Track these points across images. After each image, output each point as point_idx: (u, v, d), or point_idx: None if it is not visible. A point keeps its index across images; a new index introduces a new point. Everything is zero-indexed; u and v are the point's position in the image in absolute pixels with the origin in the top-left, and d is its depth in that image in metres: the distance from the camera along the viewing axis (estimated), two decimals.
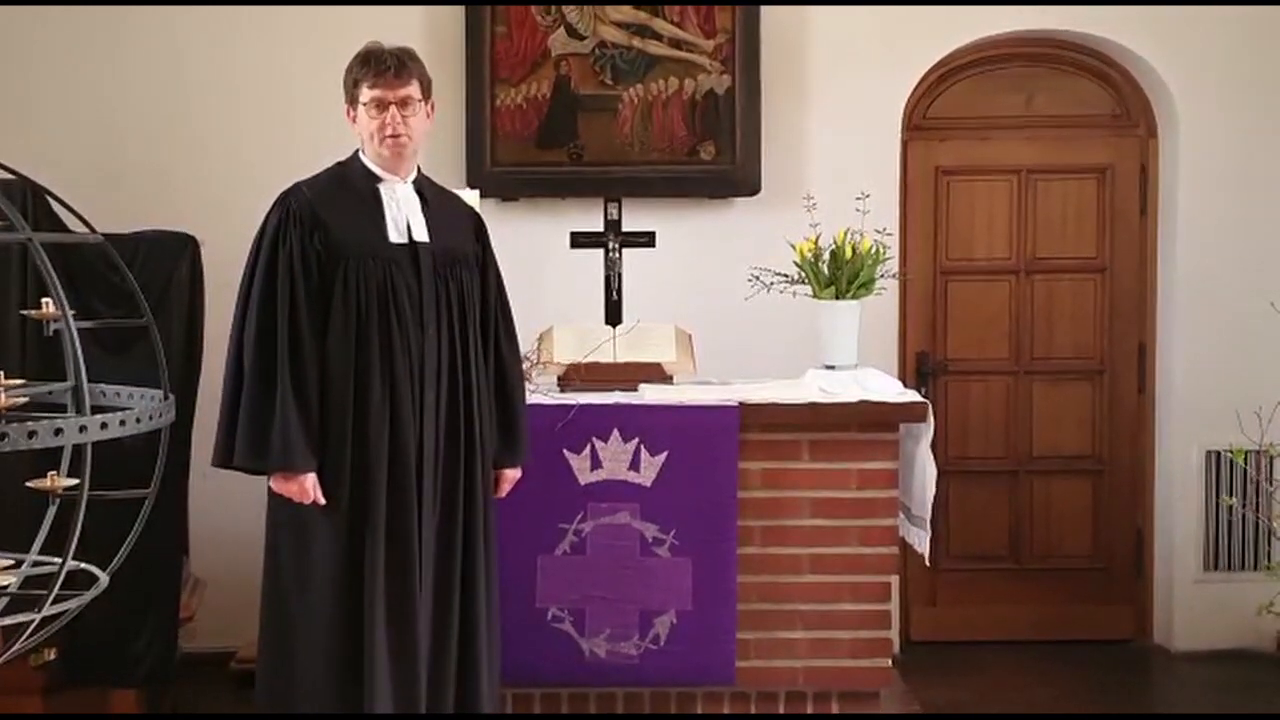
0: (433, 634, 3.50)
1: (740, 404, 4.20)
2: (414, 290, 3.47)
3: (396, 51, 3.55)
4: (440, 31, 5.25)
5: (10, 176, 1.89)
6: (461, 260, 3.58)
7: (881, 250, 4.48)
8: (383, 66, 3.49)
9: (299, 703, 3.49)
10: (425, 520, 3.47)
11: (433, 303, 3.49)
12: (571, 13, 5.25)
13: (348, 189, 3.56)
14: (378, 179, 3.56)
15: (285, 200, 3.52)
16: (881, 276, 4.50)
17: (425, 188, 3.63)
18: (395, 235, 3.51)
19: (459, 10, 5.23)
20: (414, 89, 3.53)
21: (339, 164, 3.64)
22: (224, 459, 3.47)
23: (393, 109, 3.49)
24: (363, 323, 3.44)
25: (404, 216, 3.53)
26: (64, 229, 3.85)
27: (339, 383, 3.44)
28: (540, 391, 4.26)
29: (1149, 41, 5.37)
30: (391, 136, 3.50)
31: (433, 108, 3.65)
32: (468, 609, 3.54)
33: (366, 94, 3.51)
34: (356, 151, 3.62)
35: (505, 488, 3.73)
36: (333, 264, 3.45)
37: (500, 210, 5.15)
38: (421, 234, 3.53)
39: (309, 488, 3.41)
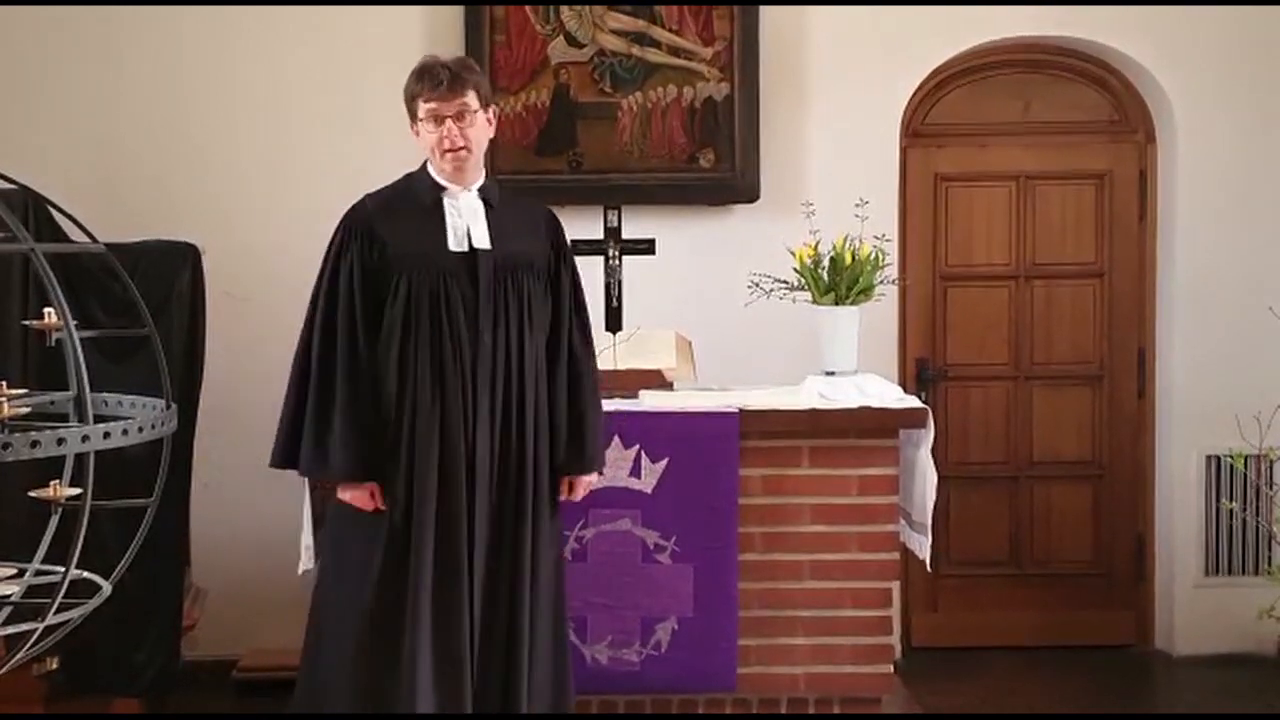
0: (479, 640, 3.52)
1: (740, 410, 4.21)
2: (470, 298, 3.51)
3: (451, 64, 3.58)
4: (440, 41, 5.25)
5: (11, 186, 1.90)
6: (525, 266, 3.59)
7: (881, 256, 4.48)
8: (436, 81, 3.52)
9: (332, 703, 3.56)
10: (477, 529, 3.50)
11: (489, 310, 3.52)
12: (570, 21, 5.26)
13: (410, 201, 3.61)
14: (442, 188, 3.60)
15: (348, 216, 3.61)
16: (881, 282, 4.50)
17: (492, 194, 3.64)
18: (454, 244, 3.55)
19: (458, 20, 5.24)
20: (470, 99, 3.55)
21: (408, 175, 3.70)
22: (283, 462, 3.58)
23: (449, 122, 3.52)
24: (415, 332, 3.49)
25: (465, 225, 3.57)
26: (65, 238, 3.85)
27: (393, 392, 3.50)
28: None
29: (1147, 47, 5.37)
30: (450, 150, 3.53)
31: (494, 115, 3.67)
32: (514, 616, 3.54)
33: (423, 108, 3.55)
34: (425, 162, 3.67)
35: (580, 492, 3.72)
36: (391, 276, 3.51)
37: None
38: (482, 241, 3.56)
39: (365, 497, 3.51)
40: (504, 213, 3.63)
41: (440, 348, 3.48)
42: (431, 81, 3.52)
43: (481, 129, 3.59)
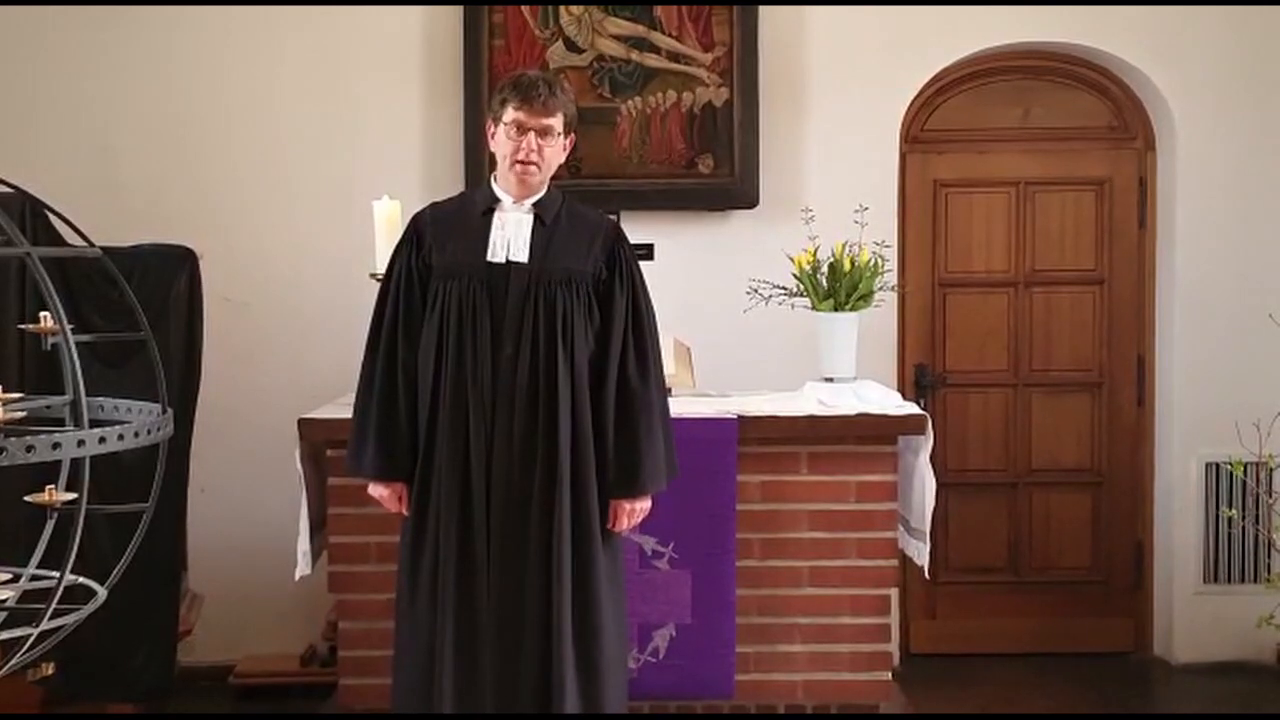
0: (504, 653, 3.53)
1: (739, 416, 4.20)
2: (499, 310, 3.52)
3: (551, 82, 3.61)
4: (438, 46, 5.26)
5: (8, 190, 1.89)
6: (564, 281, 3.55)
7: (880, 262, 4.48)
8: (534, 93, 3.54)
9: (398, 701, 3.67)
10: (493, 545, 3.51)
11: (515, 323, 3.51)
12: (570, 26, 5.26)
13: (466, 212, 3.66)
14: (496, 201, 3.62)
15: (409, 223, 3.69)
16: (880, 289, 4.50)
17: (548, 210, 3.62)
18: (492, 256, 3.56)
19: (457, 25, 5.23)
20: (556, 121, 3.58)
21: (473, 188, 3.75)
22: (348, 467, 3.72)
23: (531, 134, 3.54)
24: (446, 342, 3.53)
25: (507, 238, 3.57)
26: (62, 243, 3.85)
27: (427, 398, 3.55)
28: None
29: (1146, 54, 5.37)
30: (523, 161, 3.55)
31: (571, 143, 3.68)
32: (543, 633, 3.52)
33: (510, 114, 3.56)
34: (491, 175, 3.72)
35: (622, 520, 3.60)
36: (433, 284, 3.57)
37: None
38: (519, 254, 3.56)
39: (385, 496, 3.63)
40: (559, 227, 3.61)
41: (463, 358, 3.51)
42: (527, 93, 3.54)
43: (557, 151, 3.61)
